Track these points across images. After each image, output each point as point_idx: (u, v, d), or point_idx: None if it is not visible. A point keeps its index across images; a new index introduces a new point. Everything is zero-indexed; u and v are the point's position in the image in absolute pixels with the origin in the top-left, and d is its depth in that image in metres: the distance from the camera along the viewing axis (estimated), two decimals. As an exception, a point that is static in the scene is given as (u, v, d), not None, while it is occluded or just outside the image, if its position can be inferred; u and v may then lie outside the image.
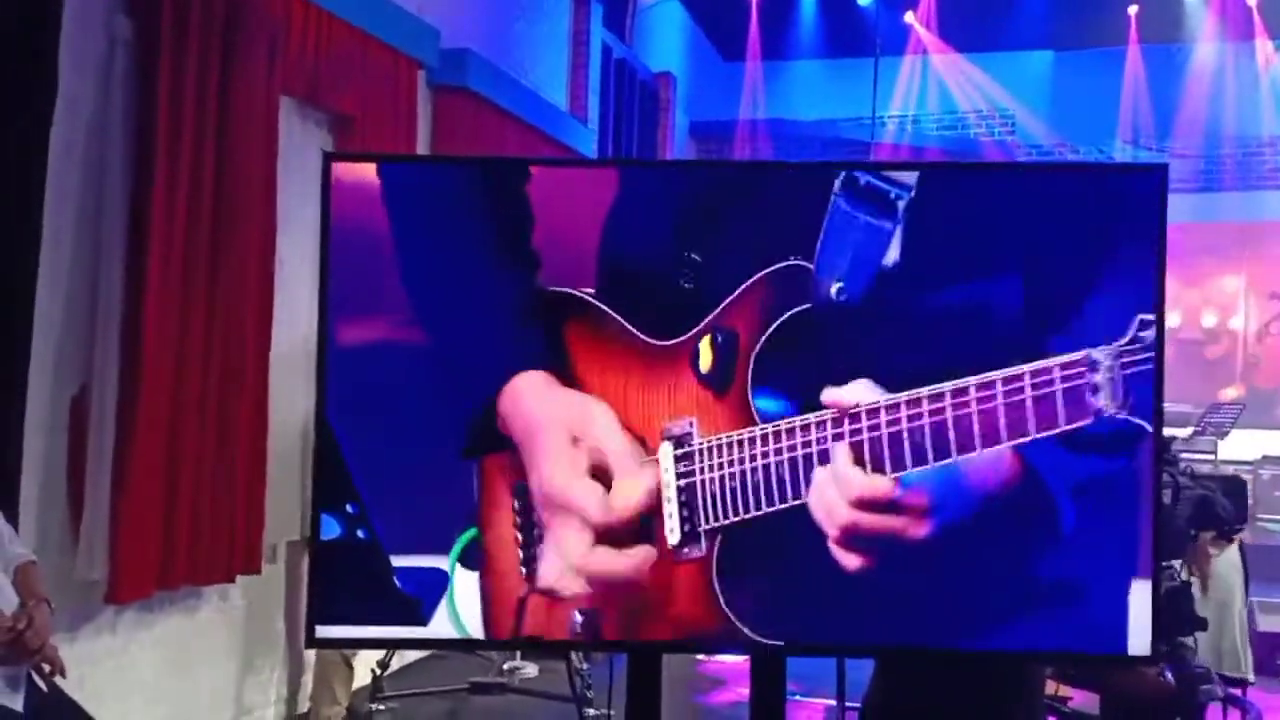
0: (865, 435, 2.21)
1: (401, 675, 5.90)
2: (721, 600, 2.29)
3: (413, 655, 6.13)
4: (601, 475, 2.29)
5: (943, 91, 12.45)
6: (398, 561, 2.33)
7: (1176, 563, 3.99)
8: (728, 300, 2.27)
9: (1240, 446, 9.59)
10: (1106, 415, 2.15)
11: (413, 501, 2.35)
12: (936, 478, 2.19)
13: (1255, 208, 11.57)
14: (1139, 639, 2.29)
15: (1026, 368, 2.16)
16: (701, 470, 2.28)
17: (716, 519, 2.28)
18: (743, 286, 2.27)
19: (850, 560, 2.24)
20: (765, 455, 2.25)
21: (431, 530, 2.34)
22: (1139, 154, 11.54)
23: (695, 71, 12.21)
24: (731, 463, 2.27)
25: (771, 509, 2.25)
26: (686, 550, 2.29)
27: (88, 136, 4.04)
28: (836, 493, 2.22)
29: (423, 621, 2.34)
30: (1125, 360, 2.16)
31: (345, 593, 2.37)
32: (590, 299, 2.31)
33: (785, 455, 2.25)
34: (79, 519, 4.01)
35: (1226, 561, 5.01)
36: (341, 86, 5.35)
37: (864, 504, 2.21)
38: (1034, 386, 2.16)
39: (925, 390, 2.18)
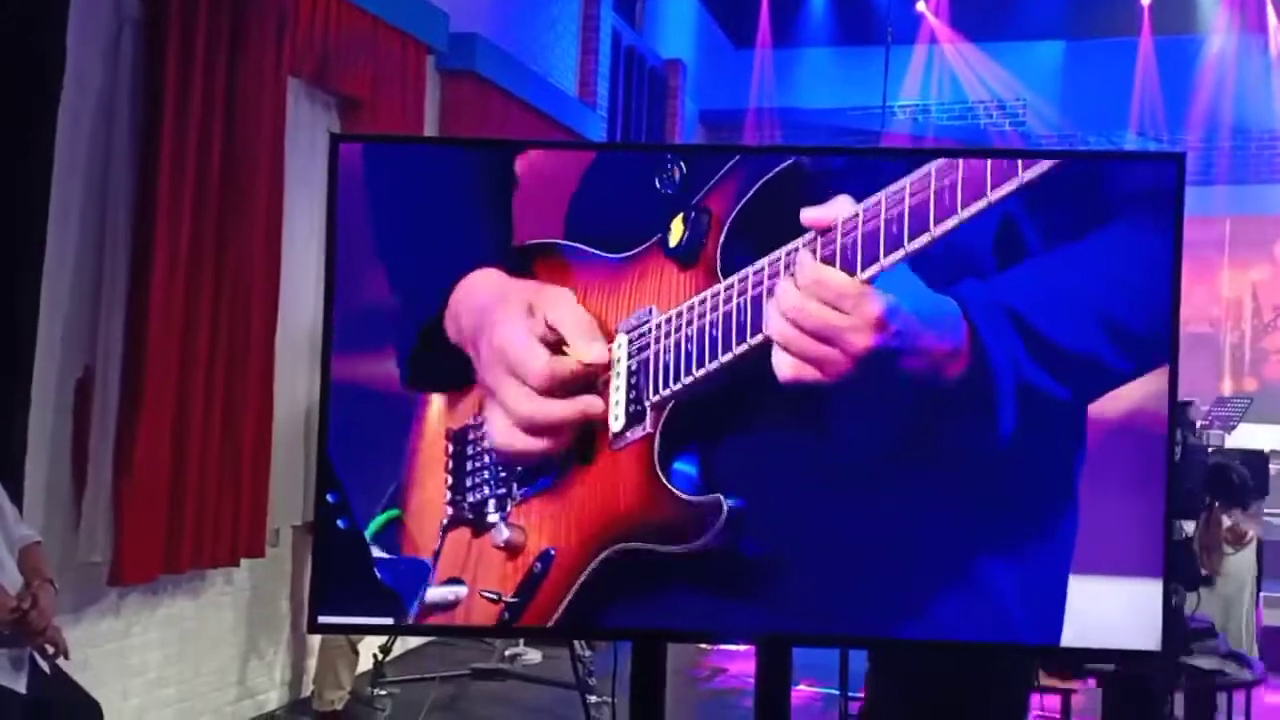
0: (838, 244, 2.16)
1: (403, 660, 5.90)
2: (662, 474, 2.25)
3: (415, 641, 6.13)
4: (553, 348, 2.28)
5: (954, 81, 12.38)
6: (379, 552, 2.33)
7: (1188, 525, 3.93)
8: (707, 187, 2.26)
9: (1248, 440, 9.55)
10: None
11: (381, 490, 2.35)
12: (893, 299, 2.14)
13: (1267, 201, 11.51)
14: (1139, 635, 2.27)
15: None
16: (656, 341, 2.25)
17: (666, 386, 2.24)
18: (724, 169, 2.26)
19: (784, 368, 2.17)
20: (728, 303, 2.21)
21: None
22: (1149, 145, 11.47)
23: (705, 58, 12.15)
24: (690, 323, 2.23)
25: (728, 355, 2.21)
26: (629, 433, 2.26)
27: (95, 116, 4.02)
28: (780, 296, 2.17)
29: (403, 612, 2.33)
30: None
31: (338, 581, 2.36)
32: (557, 241, 2.32)
33: (749, 295, 2.20)
34: (83, 501, 4.00)
35: (1240, 561, 4.99)
36: (350, 69, 5.33)
37: (815, 292, 2.14)
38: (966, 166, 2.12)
39: (886, 190, 2.12)
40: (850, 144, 10.84)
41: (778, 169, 2.23)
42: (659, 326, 2.25)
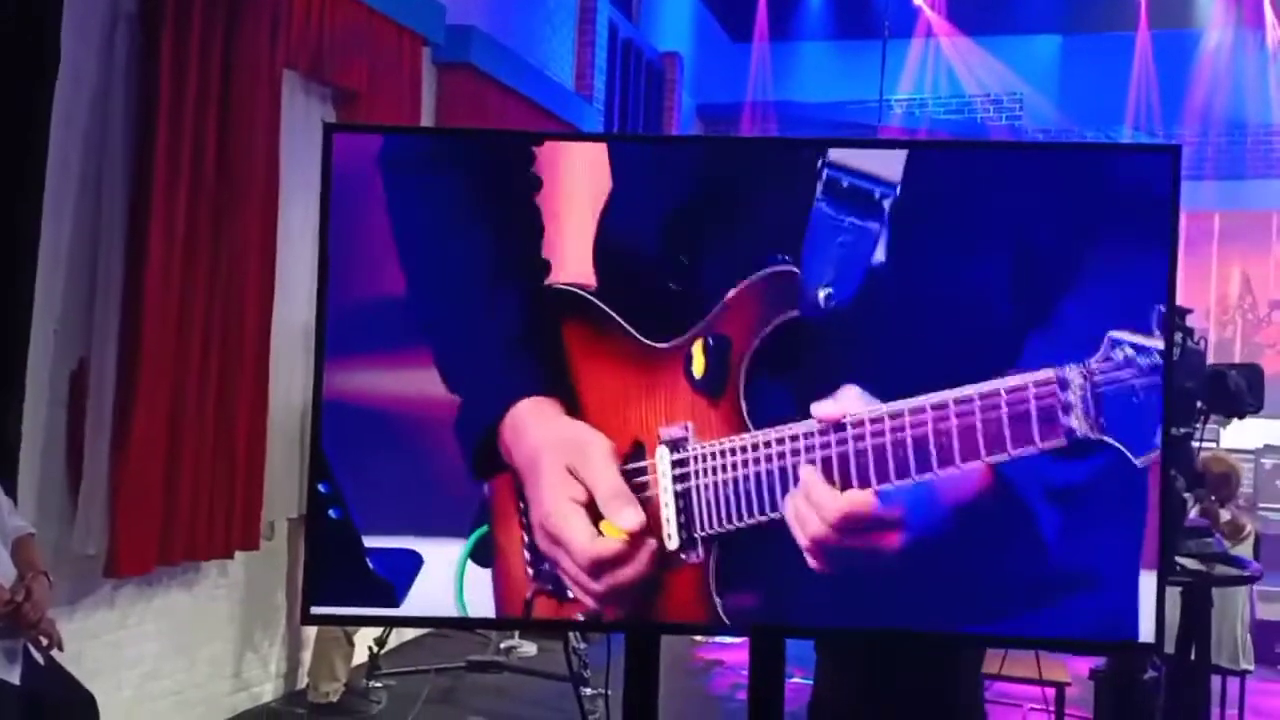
0: (851, 447, 2.18)
1: (399, 653, 5.91)
2: (719, 606, 2.28)
3: (410, 633, 6.14)
4: (594, 513, 2.29)
5: (950, 75, 12.39)
6: (371, 543, 2.32)
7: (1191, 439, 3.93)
8: (718, 307, 2.25)
9: (1242, 435, 9.56)
10: (1079, 435, 2.12)
11: (389, 483, 2.34)
12: (912, 492, 2.17)
13: (1262, 195, 11.53)
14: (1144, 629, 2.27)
15: (1003, 384, 2.13)
16: (697, 475, 2.26)
17: (711, 526, 2.26)
18: (732, 292, 2.24)
19: (824, 568, 2.22)
20: (757, 463, 2.23)
21: (409, 512, 2.33)
22: (1145, 140, 11.48)
23: (702, 52, 12.15)
24: (725, 468, 2.25)
25: (759, 519, 2.24)
26: (684, 556, 2.28)
27: (90, 109, 4.02)
28: (808, 508, 2.21)
29: (395, 603, 2.33)
30: (1096, 379, 2.13)
31: (331, 572, 2.36)
32: (589, 297, 2.29)
33: (776, 464, 2.22)
34: (78, 493, 4.01)
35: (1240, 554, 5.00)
36: (345, 61, 5.32)
37: (843, 521, 2.19)
38: (1009, 405, 2.13)
39: (906, 404, 2.15)
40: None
41: (783, 318, 2.22)
42: (699, 459, 2.26)
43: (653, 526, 2.27)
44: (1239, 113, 11.54)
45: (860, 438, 2.18)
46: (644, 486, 2.27)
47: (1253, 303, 11.79)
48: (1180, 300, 2.42)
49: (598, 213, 2.31)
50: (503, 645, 6.03)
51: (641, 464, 2.28)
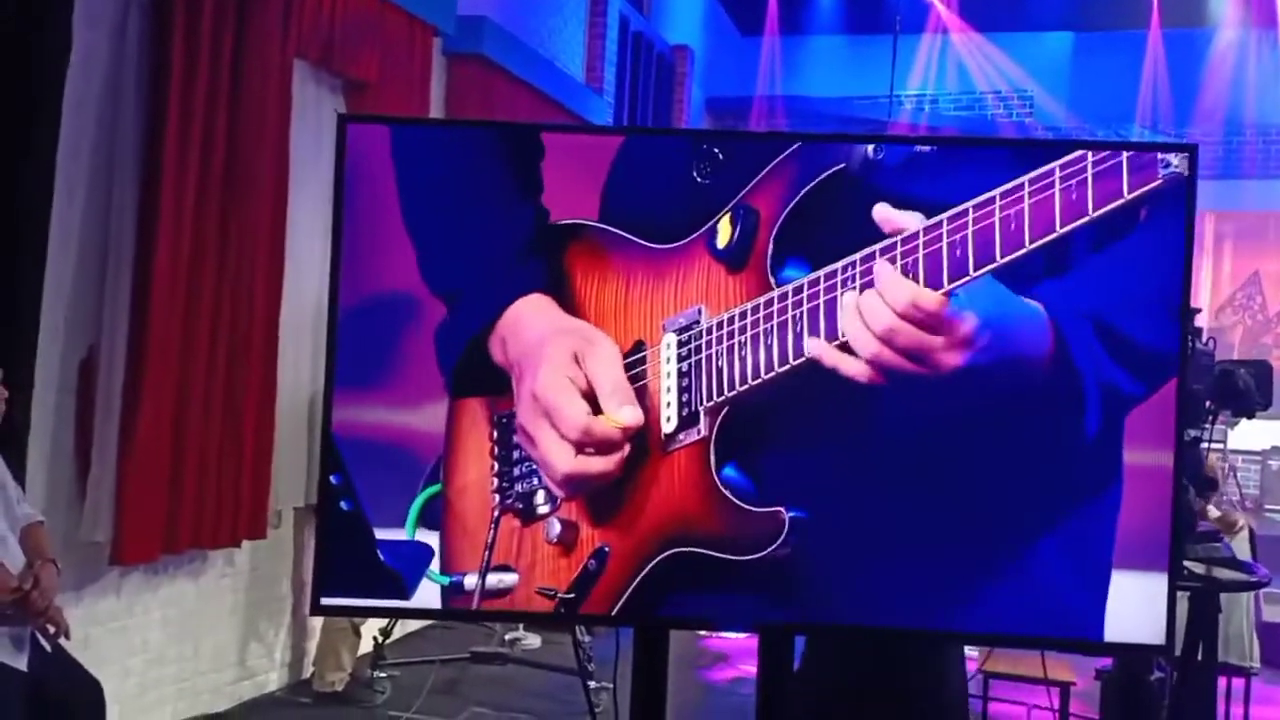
0: (916, 255, 2.13)
1: (403, 643, 5.91)
2: (718, 479, 2.24)
3: (415, 624, 6.14)
4: (592, 401, 2.27)
5: (961, 71, 12.36)
6: (382, 535, 2.32)
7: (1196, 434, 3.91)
8: (752, 183, 2.23)
9: (1251, 436, 9.55)
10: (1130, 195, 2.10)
11: (393, 473, 2.34)
12: (981, 313, 2.12)
13: (1274, 196, 11.49)
14: (1143, 629, 2.27)
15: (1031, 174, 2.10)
16: (708, 345, 2.23)
17: (721, 393, 2.22)
18: (769, 166, 2.23)
19: (862, 375, 2.15)
20: (783, 313, 2.19)
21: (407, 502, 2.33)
22: (1156, 138, 11.45)
23: (712, 45, 12.12)
24: (743, 329, 2.21)
25: (786, 366, 2.19)
26: (682, 436, 2.25)
27: (101, 96, 4.01)
28: (875, 302, 2.13)
29: (405, 595, 2.33)
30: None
31: (339, 563, 2.36)
32: (593, 223, 2.29)
33: (805, 307, 2.18)
34: (86, 480, 4.01)
35: (1236, 549, 4.99)
36: (356, 51, 5.31)
37: (909, 313, 2.11)
38: (1063, 178, 2.10)
39: (955, 209, 2.11)
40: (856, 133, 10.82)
41: (828, 172, 2.21)
42: (710, 330, 2.23)
43: (650, 420, 2.25)
44: (1251, 112, 11.50)
45: (916, 249, 2.12)
46: (640, 376, 2.26)
47: (1263, 303, 11.77)
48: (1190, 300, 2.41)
49: (609, 162, 2.31)
50: (507, 637, 6.04)
51: (641, 354, 2.27)
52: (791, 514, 2.23)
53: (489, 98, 6.60)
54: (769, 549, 2.23)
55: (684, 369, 2.24)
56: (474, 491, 2.33)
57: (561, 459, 2.27)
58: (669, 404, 2.25)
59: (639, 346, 2.28)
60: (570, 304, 2.29)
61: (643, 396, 2.26)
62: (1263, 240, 11.73)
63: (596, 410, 2.26)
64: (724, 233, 2.23)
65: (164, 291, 4.08)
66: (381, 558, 2.32)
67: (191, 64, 4.17)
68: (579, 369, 2.27)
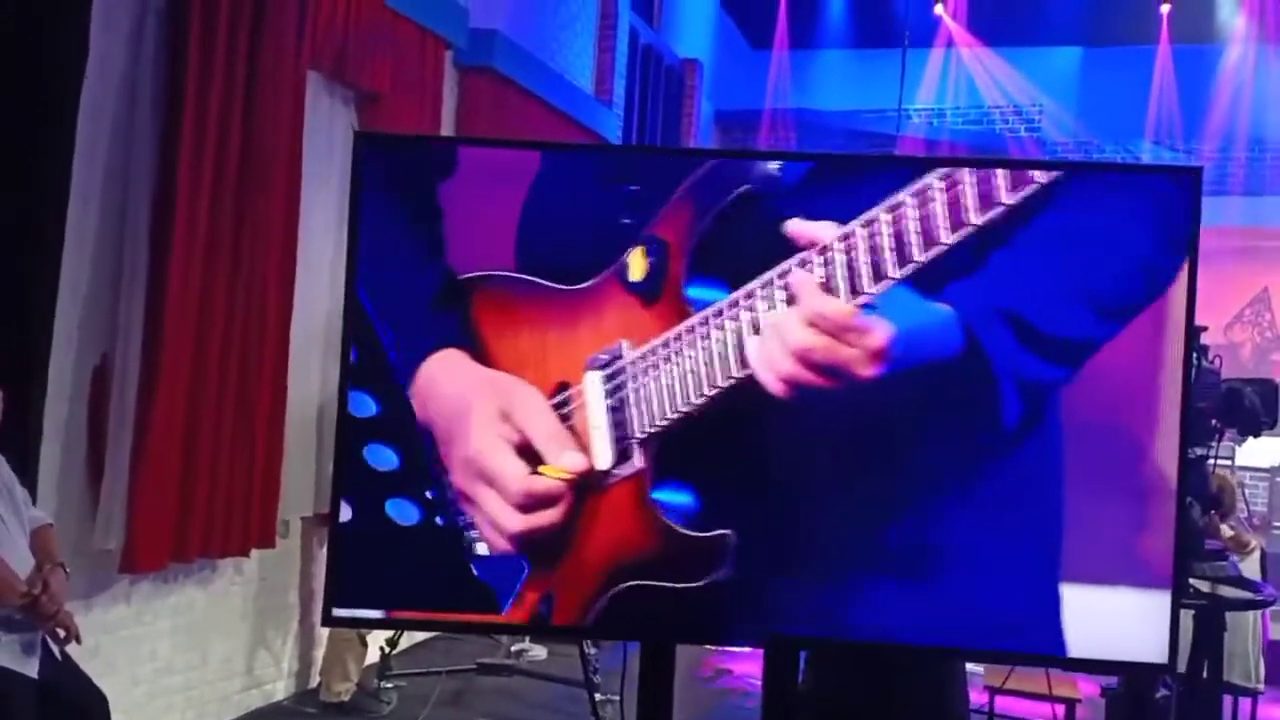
0: (836, 265, 2.16)
1: (410, 654, 5.92)
2: (658, 509, 2.26)
3: (422, 635, 6.14)
4: (527, 454, 2.28)
5: (970, 85, 12.36)
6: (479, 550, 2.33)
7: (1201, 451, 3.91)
8: (659, 214, 2.25)
9: (1258, 454, 9.52)
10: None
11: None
12: (893, 320, 2.15)
13: (1281, 212, 11.46)
14: (1146, 647, 2.27)
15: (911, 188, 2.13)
16: (634, 379, 2.25)
17: (653, 423, 2.24)
18: (674, 195, 2.24)
19: (783, 391, 2.18)
20: (705, 337, 2.21)
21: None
22: (1164, 154, 11.45)
23: (722, 59, 12.15)
24: (667, 358, 2.23)
25: (715, 390, 2.21)
26: (618, 470, 2.26)
27: (117, 104, 4.04)
28: (783, 337, 2.17)
29: (497, 609, 2.33)
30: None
31: (353, 573, 2.36)
32: (499, 273, 2.30)
33: (729, 329, 2.20)
34: (98, 488, 4.02)
35: (1246, 569, 4.98)
36: (369, 63, 5.34)
37: (820, 324, 2.15)
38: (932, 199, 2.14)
39: (863, 217, 2.14)
40: (866, 147, 10.84)
41: (733, 196, 2.22)
42: (634, 363, 2.24)
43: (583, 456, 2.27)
44: (1260, 128, 11.48)
45: (848, 252, 2.15)
46: (568, 417, 2.27)
47: (1271, 319, 11.74)
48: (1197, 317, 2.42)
49: (520, 203, 2.32)
50: (513, 648, 6.04)
51: (566, 395, 2.28)
52: (732, 537, 2.25)
53: (500, 110, 6.63)
54: (712, 574, 2.24)
55: (613, 404, 2.25)
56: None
57: (508, 520, 2.29)
58: (600, 440, 2.26)
59: (563, 387, 2.28)
60: (482, 355, 2.29)
61: (574, 437, 2.27)
62: (1271, 257, 11.70)
63: (533, 461, 2.27)
64: (637, 266, 2.25)
65: (177, 300, 4.10)
66: (476, 573, 2.32)
67: (206, 71, 4.19)
68: (508, 425, 2.28)
